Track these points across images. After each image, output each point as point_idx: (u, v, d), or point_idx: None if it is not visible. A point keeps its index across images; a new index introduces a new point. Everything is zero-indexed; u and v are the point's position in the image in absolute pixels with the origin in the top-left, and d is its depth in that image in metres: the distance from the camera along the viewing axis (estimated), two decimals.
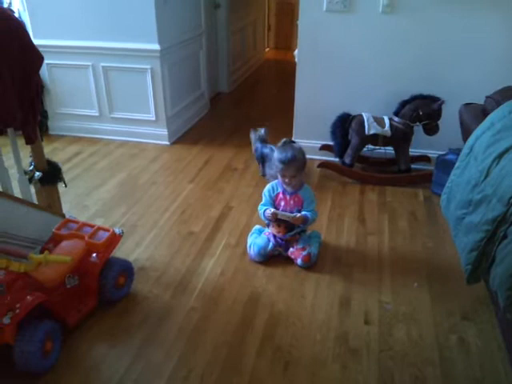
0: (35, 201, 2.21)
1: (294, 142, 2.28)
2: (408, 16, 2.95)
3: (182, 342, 1.84)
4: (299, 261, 2.26)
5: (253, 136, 3.18)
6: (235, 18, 5.31)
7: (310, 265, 2.26)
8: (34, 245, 2.06)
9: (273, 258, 2.33)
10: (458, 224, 1.73)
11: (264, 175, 3.12)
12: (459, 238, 1.72)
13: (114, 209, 2.80)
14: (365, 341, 1.84)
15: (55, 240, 2.01)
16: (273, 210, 2.25)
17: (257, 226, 2.49)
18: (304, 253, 2.25)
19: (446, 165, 2.79)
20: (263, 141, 3.13)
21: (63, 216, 2.26)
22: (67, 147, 3.73)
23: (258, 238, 2.34)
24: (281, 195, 2.32)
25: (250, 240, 2.37)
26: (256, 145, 3.14)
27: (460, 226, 1.71)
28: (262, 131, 3.16)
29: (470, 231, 1.59)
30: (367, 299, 2.07)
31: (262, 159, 3.10)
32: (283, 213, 2.24)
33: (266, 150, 3.02)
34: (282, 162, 2.18)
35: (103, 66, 3.62)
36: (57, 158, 3.18)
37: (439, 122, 2.97)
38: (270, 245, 2.30)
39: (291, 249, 2.30)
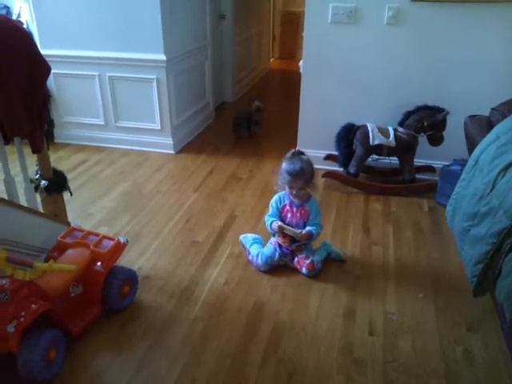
0: (41, 209, 2.22)
1: (302, 154, 2.27)
2: (413, 28, 2.96)
3: (185, 351, 1.83)
4: (304, 270, 2.26)
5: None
6: (240, 28, 5.36)
7: (315, 273, 2.26)
8: (38, 253, 2.06)
9: (278, 267, 2.33)
10: (464, 236, 1.72)
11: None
12: (465, 251, 1.71)
13: (119, 217, 2.81)
14: (369, 352, 1.83)
15: (60, 248, 2.01)
16: (280, 223, 2.26)
17: (252, 236, 2.49)
18: (307, 261, 2.25)
19: (450, 175, 2.79)
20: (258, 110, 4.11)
21: (68, 224, 2.27)
22: (72, 156, 3.76)
23: (265, 248, 2.34)
24: (288, 207, 2.32)
25: (253, 250, 2.37)
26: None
27: (466, 238, 1.71)
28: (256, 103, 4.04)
29: (476, 244, 1.58)
30: (372, 310, 2.06)
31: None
32: (289, 228, 2.25)
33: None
34: (290, 174, 2.19)
35: (109, 76, 3.66)
36: (62, 166, 3.19)
37: (444, 133, 2.98)
38: (277, 254, 2.30)
39: (296, 258, 2.30)
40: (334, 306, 2.08)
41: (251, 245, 2.41)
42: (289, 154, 2.27)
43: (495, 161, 1.63)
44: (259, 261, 2.30)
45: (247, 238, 2.49)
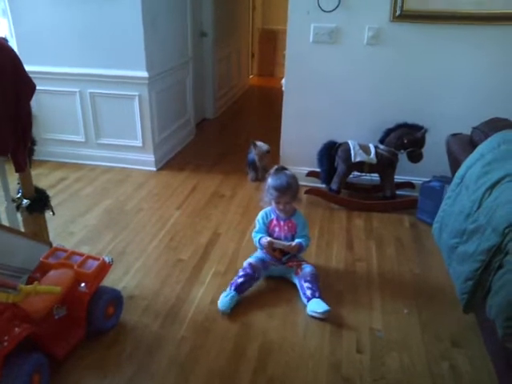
0: (22, 229, 2.17)
1: (285, 169, 2.31)
2: (393, 48, 3.04)
3: (173, 372, 1.80)
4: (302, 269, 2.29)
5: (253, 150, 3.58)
6: (220, 46, 5.40)
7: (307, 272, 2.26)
8: (19, 274, 2.01)
9: (265, 285, 2.32)
10: (452, 253, 1.76)
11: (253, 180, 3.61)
12: (453, 267, 1.74)
13: (101, 236, 2.77)
14: (357, 369, 1.84)
15: (43, 269, 1.96)
16: (269, 238, 2.28)
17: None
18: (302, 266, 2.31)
19: (430, 191, 2.86)
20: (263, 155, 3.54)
21: (50, 244, 2.22)
22: (52, 173, 3.69)
23: (256, 254, 2.38)
24: (275, 221, 2.34)
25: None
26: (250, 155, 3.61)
27: (453, 255, 1.74)
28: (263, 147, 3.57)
29: (465, 261, 1.61)
30: (358, 327, 2.07)
31: (253, 165, 3.59)
32: (279, 242, 2.28)
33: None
34: (278, 189, 2.22)
35: (90, 93, 3.63)
36: (41, 183, 3.12)
37: (423, 150, 3.05)
38: (267, 257, 2.34)
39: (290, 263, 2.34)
40: (320, 323, 2.09)
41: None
42: (272, 170, 2.31)
43: (481, 179, 1.68)
44: (250, 259, 2.32)
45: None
